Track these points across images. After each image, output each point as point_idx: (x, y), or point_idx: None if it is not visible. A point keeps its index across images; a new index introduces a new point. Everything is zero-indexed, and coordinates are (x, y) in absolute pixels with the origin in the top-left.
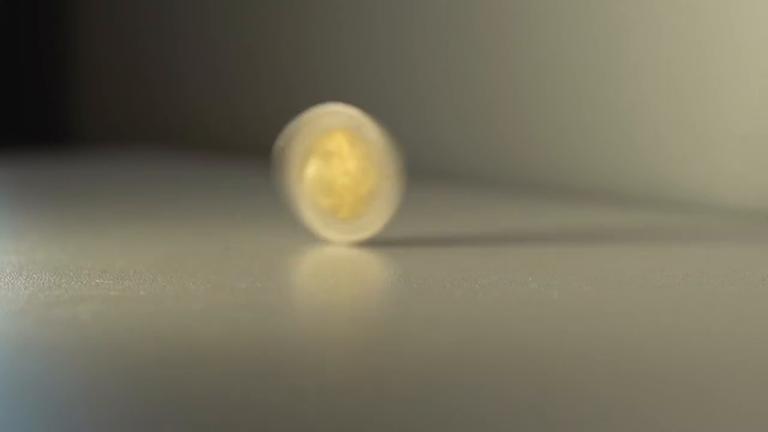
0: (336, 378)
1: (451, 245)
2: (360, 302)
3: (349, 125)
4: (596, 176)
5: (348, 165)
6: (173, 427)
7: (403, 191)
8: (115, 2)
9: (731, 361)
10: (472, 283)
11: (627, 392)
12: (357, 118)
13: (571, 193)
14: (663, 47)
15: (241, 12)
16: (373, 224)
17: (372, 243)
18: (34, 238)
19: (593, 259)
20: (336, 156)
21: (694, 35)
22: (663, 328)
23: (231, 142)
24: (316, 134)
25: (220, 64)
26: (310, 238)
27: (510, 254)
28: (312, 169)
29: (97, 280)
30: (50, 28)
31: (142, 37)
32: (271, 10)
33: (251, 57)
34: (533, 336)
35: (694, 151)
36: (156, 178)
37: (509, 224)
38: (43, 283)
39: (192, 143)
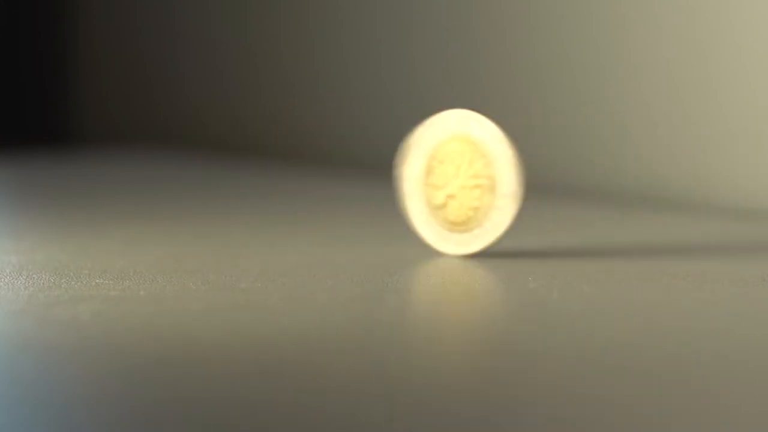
0: (336, 378)
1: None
2: (359, 302)
3: (468, 133)
4: (596, 176)
5: (460, 175)
6: (173, 427)
7: (522, 207)
8: (115, 2)
9: (731, 361)
10: (472, 283)
11: (626, 392)
12: (479, 126)
13: (570, 193)
14: (663, 47)
15: (241, 12)
16: (483, 238)
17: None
18: (34, 238)
19: (593, 258)
20: (447, 165)
21: (694, 35)
22: (663, 328)
23: (231, 142)
24: (431, 141)
25: (220, 64)
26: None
27: (510, 254)
28: (421, 179)
29: (97, 280)
30: (50, 28)
31: (142, 37)
32: (271, 10)
33: (251, 57)
34: (532, 337)
35: (694, 151)
36: (156, 178)
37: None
38: (43, 283)
39: (192, 143)
